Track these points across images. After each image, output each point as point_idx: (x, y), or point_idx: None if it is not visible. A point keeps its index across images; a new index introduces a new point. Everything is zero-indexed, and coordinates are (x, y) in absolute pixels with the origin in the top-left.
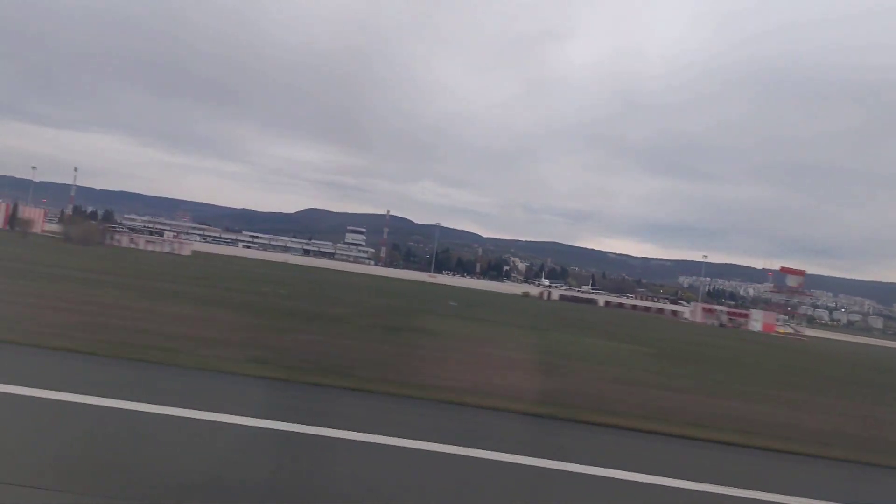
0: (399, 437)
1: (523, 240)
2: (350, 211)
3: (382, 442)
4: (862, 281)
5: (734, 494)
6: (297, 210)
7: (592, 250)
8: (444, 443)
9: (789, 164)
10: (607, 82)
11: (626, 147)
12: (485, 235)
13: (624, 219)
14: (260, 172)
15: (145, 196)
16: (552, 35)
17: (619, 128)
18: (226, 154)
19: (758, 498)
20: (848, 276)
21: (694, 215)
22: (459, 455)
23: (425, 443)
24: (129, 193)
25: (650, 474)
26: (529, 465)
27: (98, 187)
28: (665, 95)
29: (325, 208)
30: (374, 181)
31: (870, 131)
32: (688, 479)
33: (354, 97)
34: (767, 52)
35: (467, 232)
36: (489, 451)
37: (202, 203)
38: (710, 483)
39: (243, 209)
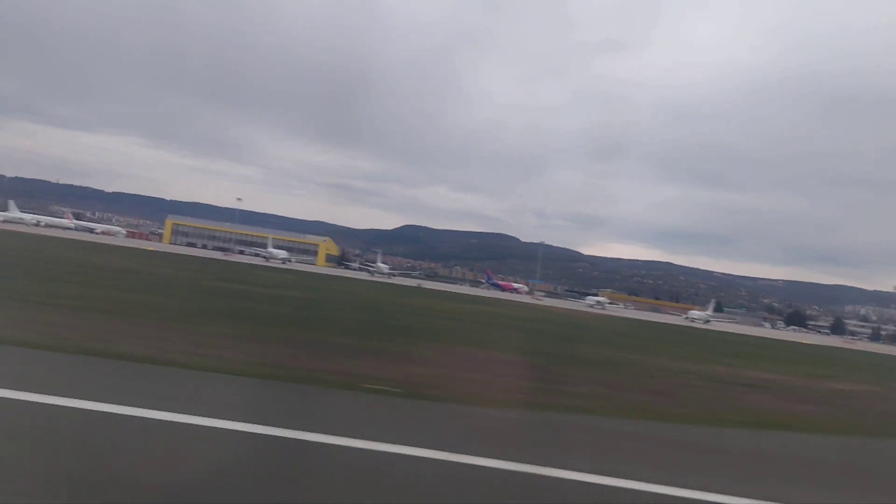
0: None
1: (641, 260)
2: (451, 228)
3: None
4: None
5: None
6: (395, 227)
7: (700, 270)
8: None
9: (820, 175)
10: (651, 92)
11: (652, 154)
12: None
13: (637, 224)
14: (270, 175)
15: (215, 207)
16: (603, 46)
17: (655, 136)
18: (240, 157)
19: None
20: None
21: (710, 223)
22: None
23: None
24: (201, 205)
25: None
26: None
27: (168, 197)
28: (706, 105)
29: (426, 225)
30: (388, 185)
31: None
32: None
33: (385, 104)
34: (806, 63)
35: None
36: None
37: (272, 214)
38: None
39: (317, 221)
